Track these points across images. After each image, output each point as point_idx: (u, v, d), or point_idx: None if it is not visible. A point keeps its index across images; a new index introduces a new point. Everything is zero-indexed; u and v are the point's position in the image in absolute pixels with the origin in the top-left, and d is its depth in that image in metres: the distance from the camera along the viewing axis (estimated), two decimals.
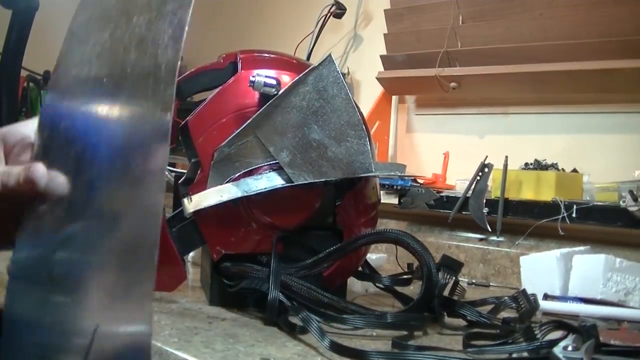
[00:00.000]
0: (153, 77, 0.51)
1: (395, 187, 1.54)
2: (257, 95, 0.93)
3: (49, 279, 0.50)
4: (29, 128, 0.60)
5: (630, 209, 1.20)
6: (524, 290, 0.98)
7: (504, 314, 0.93)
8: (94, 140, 0.52)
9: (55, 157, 0.54)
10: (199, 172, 0.93)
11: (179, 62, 0.51)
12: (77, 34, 0.60)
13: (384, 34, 1.75)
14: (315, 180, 0.90)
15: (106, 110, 0.53)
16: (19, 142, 0.59)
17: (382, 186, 1.51)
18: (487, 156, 1.44)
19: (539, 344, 0.74)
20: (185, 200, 0.89)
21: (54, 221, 0.52)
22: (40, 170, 0.53)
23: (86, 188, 0.51)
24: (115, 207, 0.48)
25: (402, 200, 1.53)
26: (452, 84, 1.56)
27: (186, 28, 0.52)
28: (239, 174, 0.90)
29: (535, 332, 0.78)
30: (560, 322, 0.81)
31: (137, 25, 0.55)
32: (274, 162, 0.90)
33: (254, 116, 0.91)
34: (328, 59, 0.92)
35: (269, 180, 0.89)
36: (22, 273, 0.52)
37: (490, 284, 1.36)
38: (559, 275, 1.13)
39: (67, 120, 0.55)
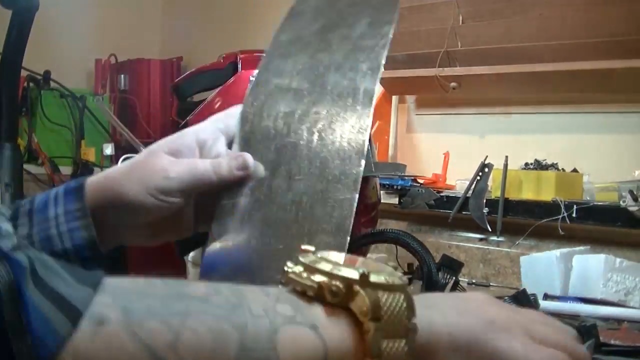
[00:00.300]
0: (352, 98, 0.58)
1: (395, 187, 1.54)
2: None
3: (248, 260, 0.56)
4: (219, 123, 0.66)
5: (630, 208, 1.20)
6: (524, 290, 0.98)
7: None
8: (294, 140, 0.59)
9: (255, 149, 0.61)
10: None
11: (376, 93, 0.57)
12: (278, 50, 0.67)
13: None
14: None
15: (306, 118, 0.60)
16: (210, 137, 0.64)
17: (382, 186, 1.51)
18: (487, 156, 1.44)
19: None
20: None
21: (252, 206, 0.58)
22: (250, 159, 0.60)
23: (285, 178, 0.58)
24: (312, 198, 0.55)
25: (402, 200, 1.53)
26: (452, 84, 1.56)
27: (383, 62, 0.59)
28: None
29: None
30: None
31: (336, 52, 0.62)
32: None
33: None
34: None
35: None
36: (217, 260, 0.57)
37: (490, 284, 1.36)
38: (559, 275, 1.13)
39: (268, 121, 0.62)
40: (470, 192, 1.43)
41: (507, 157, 1.39)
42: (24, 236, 0.59)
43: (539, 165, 1.43)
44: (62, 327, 0.30)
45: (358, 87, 0.58)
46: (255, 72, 0.65)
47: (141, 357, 0.31)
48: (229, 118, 0.65)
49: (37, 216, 0.60)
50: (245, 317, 0.34)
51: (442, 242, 1.53)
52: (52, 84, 2.20)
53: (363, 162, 0.54)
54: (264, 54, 0.66)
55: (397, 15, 0.63)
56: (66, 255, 0.58)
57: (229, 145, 0.64)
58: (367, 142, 0.55)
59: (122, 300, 0.32)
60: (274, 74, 0.64)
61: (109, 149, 2.23)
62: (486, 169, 1.43)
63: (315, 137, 0.58)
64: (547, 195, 1.33)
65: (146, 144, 2.30)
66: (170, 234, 0.66)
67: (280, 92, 0.62)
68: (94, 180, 0.61)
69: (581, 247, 1.21)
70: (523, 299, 0.94)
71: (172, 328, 0.32)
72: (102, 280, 0.34)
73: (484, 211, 1.39)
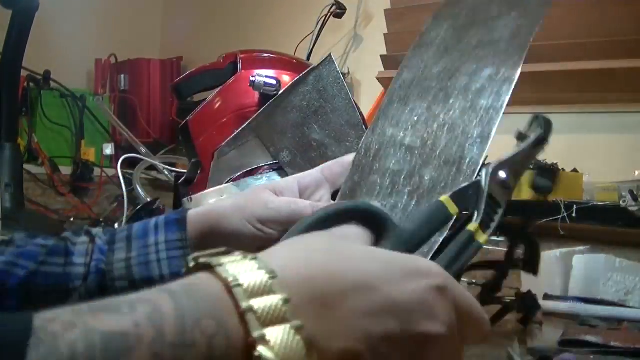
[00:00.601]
0: (456, 168, 0.58)
1: None
2: (257, 95, 0.93)
3: None
4: (321, 173, 0.68)
5: (631, 208, 1.20)
6: (529, 292, 0.98)
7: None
8: (394, 202, 0.60)
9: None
10: (199, 172, 0.93)
11: (481, 163, 0.57)
12: (399, 91, 0.67)
13: (384, 34, 1.75)
14: None
15: (411, 180, 0.60)
16: (312, 184, 0.67)
17: None
18: (487, 156, 1.43)
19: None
20: (186, 200, 0.89)
21: None
22: None
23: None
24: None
25: None
26: None
27: (494, 131, 0.59)
28: (239, 174, 0.90)
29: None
30: None
31: (453, 108, 0.61)
32: (274, 162, 0.90)
33: (254, 116, 0.91)
34: (328, 59, 0.92)
35: (269, 180, 0.89)
36: None
37: None
38: (559, 275, 1.13)
39: (376, 175, 0.63)
40: None
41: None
42: (121, 259, 0.62)
43: (539, 166, 1.43)
44: None
45: (465, 156, 0.58)
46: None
47: None
48: (337, 166, 0.67)
49: (135, 242, 0.62)
50: None
51: None
52: (52, 84, 2.19)
53: (444, 236, 0.53)
54: (389, 90, 0.68)
55: (519, 69, 0.61)
56: (162, 281, 0.60)
57: (333, 195, 0.66)
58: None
59: None
60: (391, 122, 0.65)
61: (109, 149, 2.23)
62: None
63: (414, 202, 0.58)
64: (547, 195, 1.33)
65: (146, 144, 2.29)
66: None
67: (393, 146, 0.63)
68: (195, 212, 0.64)
69: (581, 247, 1.21)
70: (528, 301, 0.94)
71: None
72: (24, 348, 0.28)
73: None
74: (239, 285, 0.33)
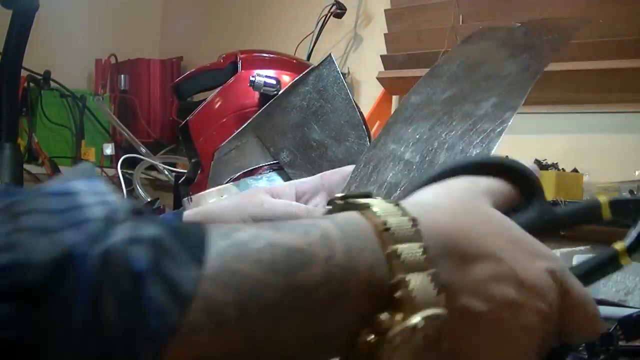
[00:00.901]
0: None
1: None
2: (257, 95, 0.93)
3: None
4: (320, 180, 0.70)
5: None
6: None
7: None
8: None
9: None
10: (199, 172, 0.93)
11: None
12: (405, 112, 0.69)
13: (384, 34, 1.75)
14: None
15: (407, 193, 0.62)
16: (309, 190, 0.69)
17: None
18: None
19: None
20: (186, 200, 0.89)
21: None
22: None
23: None
24: None
25: None
26: None
27: (493, 152, 0.61)
28: (239, 174, 0.91)
29: None
30: None
31: (455, 129, 0.64)
32: (274, 162, 0.90)
33: (254, 116, 0.91)
34: (328, 59, 0.92)
35: (269, 180, 0.89)
36: None
37: None
38: None
39: (373, 186, 0.64)
40: None
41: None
42: None
43: (539, 165, 1.43)
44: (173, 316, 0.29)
45: None
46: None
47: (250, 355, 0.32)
48: (337, 175, 0.69)
49: None
50: None
51: None
52: (52, 84, 2.20)
53: None
54: (395, 110, 0.70)
55: (523, 101, 0.64)
56: None
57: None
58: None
59: (240, 297, 0.31)
60: (393, 139, 0.67)
61: (109, 149, 2.23)
62: None
63: None
64: (547, 195, 1.32)
65: (146, 144, 2.29)
66: None
67: (392, 160, 0.65)
68: (192, 212, 0.65)
69: (581, 247, 1.21)
70: None
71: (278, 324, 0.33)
72: (210, 255, 0.31)
73: None
74: (387, 229, 0.35)
